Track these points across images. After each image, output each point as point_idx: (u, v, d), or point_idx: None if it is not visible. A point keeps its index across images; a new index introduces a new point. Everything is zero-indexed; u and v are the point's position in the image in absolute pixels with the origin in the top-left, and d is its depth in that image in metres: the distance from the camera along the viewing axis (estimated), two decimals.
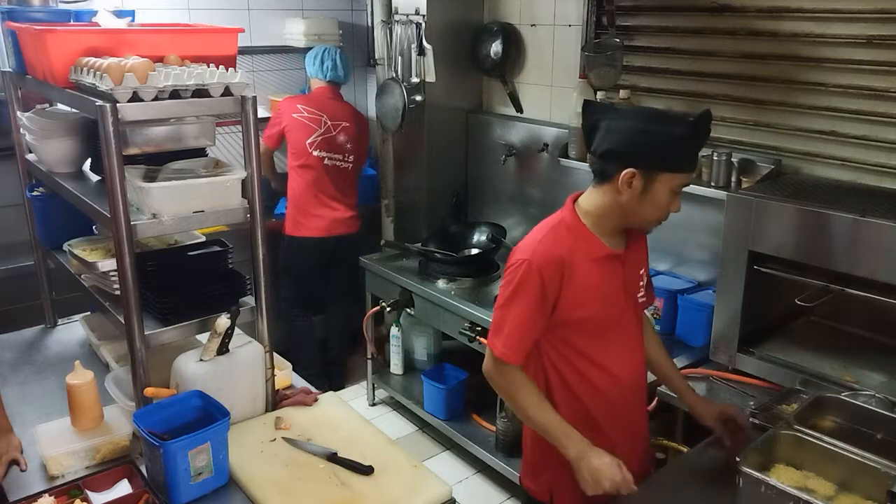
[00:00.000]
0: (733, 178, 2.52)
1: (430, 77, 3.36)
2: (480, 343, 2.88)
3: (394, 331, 3.63)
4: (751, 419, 1.92)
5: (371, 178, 4.10)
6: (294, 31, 3.88)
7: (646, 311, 1.93)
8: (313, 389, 2.21)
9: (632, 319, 1.80)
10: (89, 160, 2.24)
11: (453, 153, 3.73)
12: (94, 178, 2.17)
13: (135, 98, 1.68)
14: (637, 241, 1.79)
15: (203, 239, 2.16)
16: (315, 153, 3.57)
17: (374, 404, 3.86)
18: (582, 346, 1.73)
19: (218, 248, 2.09)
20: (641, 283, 1.81)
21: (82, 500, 1.65)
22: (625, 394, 1.79)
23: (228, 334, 1.89)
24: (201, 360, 1.89)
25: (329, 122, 3.58)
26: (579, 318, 1.69)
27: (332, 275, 3.81)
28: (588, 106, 1.74)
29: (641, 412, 1.90)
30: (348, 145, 3.64)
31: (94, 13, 2.21)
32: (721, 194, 2.42)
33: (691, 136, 1.62)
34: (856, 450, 1.55)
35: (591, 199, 1.72)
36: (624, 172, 1.62)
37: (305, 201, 3.62)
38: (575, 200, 1.75)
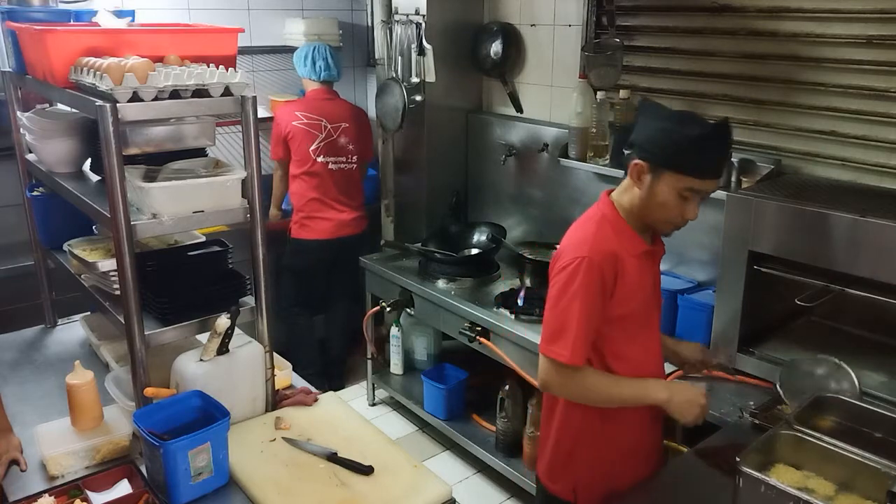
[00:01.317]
0: (733, 178, 2.52)
1: (430, 77, 3.36)
2: (480, 343, 2.88)
3: (394, 331, 3.63)
4: (751, 419, 1.92)
5: (371, 178, 4.10)
6: (294, 31, 3.88)
7: None
8: (313, 389, 2.21)
9: (656, 314, 1.86)
10: (89, 160, 2.23)
11: (453, 153, 3.73)
12: (94, 178, 2.17)
13: (135, 98, 1.68)
14: (659, 237, 1.85)
15: (203, 239, 2.16)
16: (319, 159, 3.57)
17: (374, 404, 3.86)
18: (615, 342, 1.74)
19: (218, 248, 2.09)
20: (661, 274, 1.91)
21: (82, 500, 1.65)
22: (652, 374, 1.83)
23: (228, 334, 1.89)
24: (201, 360, 1.89)
25: (329, 126, 3.57)
26: (623, 314, 1.71)
27: (336, 275, 3.81)
28: (641, 104, 1.79)
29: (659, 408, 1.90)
30: (350, 146, 3.64)
31: (94, 13, 2.21)
32: (721, 194, 2.41)
33: (702, 139, 1.60)
34: (856, 450, 1.55)
35: (619, 193, 1.76)
36: (634, 163, 1.65)
37: (311, 206, 3.62)
38: (609, 195, 1.78)
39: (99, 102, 1.65)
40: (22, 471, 1.78)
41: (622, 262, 1.67)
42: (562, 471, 1.85)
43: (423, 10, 3.35)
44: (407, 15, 3.43)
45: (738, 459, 1.50)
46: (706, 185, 1.64)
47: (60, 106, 2.37)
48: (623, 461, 1.81)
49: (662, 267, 2.87)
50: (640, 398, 1.73)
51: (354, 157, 3.67)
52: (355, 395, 3.93)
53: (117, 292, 1.86)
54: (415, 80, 3.44)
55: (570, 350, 1.63)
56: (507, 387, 2.98)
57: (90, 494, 1.67)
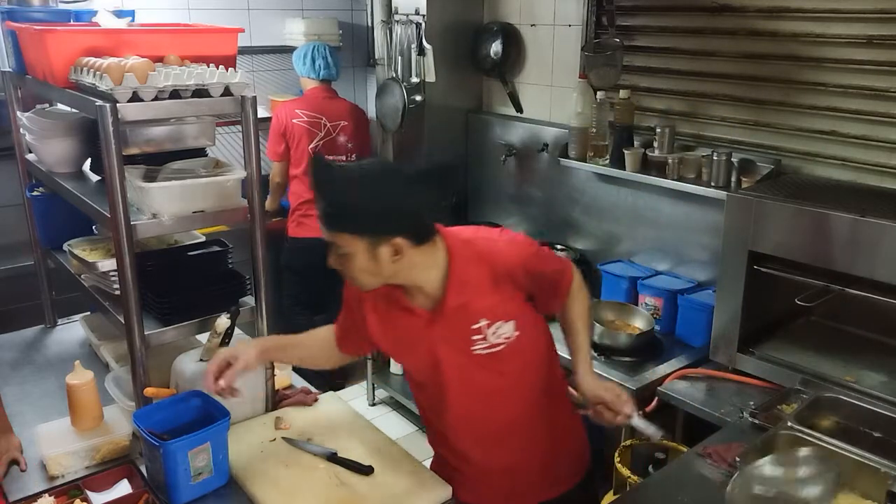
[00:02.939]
0: (733, 178, 2.52)
1: (430, 77, 3.36)
2: None
3: None
4: (751, 419, 1.92)
5: None
6: (294, 31, 3.88)
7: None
8: (313, 389, 2.20)
9: (470, 370, 1.63)
10: (89, 160, 2.23)
11: (453, 153, 3.73)
12: (94, 178, 2.17)
13: (135, 98, 1.68)
14: (470, 294, 1.59)
15: (203, 239, 2.16)
16: None
17: (374, 404, 3.86)
18: (408, 375, 1.81)
19: (218, 248, 2.09)
20: (479, 337, 1.60)
21: (82, 500, 1.65)
22: (472, 421, 1.72)
23: (228, 334, 1.89)
24: (201, 360, 1.89)
25: (329, 124, 3.58)
26: (389, 353, 1.85)
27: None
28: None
29: (521, 435, 1.73)
30: (349, 144, 3.66)
31: (94, 13, 2.21)
32: (721, 194, 2.41)
33: None
34: (855, 449, 1.55)
35: None
36: None
37: (308, 204, 3.61)
38: None
39: (99, 102, 1.65)
40: (22, 471, 1.78)
41: (366, 303, 1.76)
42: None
43: (423, 10, 3.35)
44: (407, 15, 3.43)
45: (738, 459, 1.50)
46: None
47: (60, 106, 2.37)
48: (457, 467, 1.81)
49: (663, 267, 2.89)
50: None
51: (353, 156, 3.68)
52: (355, 395, 3.93)
53: (117, 292, 1.86)
54: (415, 80, 3.44)
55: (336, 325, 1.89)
56: None
57: (90, 494, 1.67)
